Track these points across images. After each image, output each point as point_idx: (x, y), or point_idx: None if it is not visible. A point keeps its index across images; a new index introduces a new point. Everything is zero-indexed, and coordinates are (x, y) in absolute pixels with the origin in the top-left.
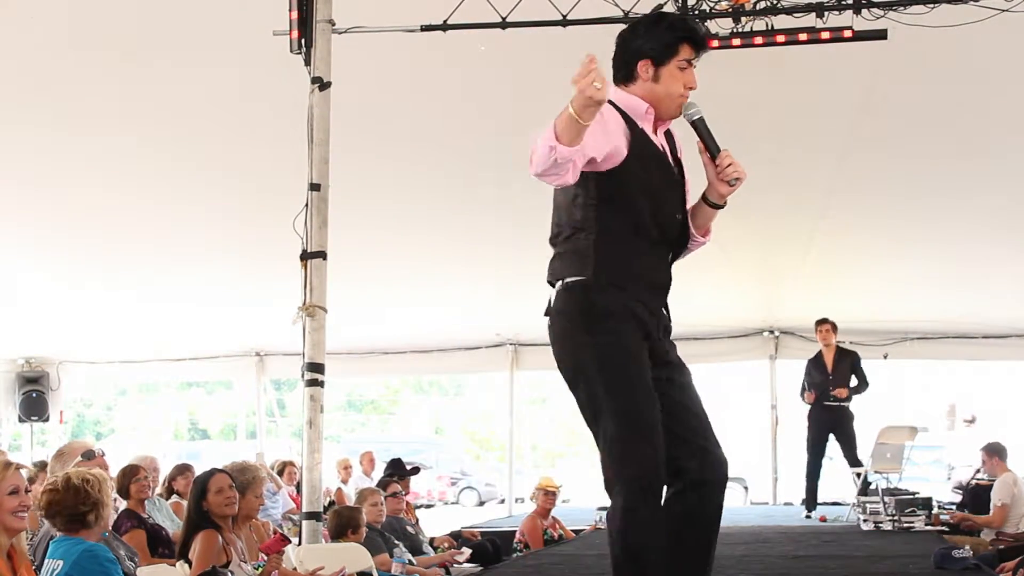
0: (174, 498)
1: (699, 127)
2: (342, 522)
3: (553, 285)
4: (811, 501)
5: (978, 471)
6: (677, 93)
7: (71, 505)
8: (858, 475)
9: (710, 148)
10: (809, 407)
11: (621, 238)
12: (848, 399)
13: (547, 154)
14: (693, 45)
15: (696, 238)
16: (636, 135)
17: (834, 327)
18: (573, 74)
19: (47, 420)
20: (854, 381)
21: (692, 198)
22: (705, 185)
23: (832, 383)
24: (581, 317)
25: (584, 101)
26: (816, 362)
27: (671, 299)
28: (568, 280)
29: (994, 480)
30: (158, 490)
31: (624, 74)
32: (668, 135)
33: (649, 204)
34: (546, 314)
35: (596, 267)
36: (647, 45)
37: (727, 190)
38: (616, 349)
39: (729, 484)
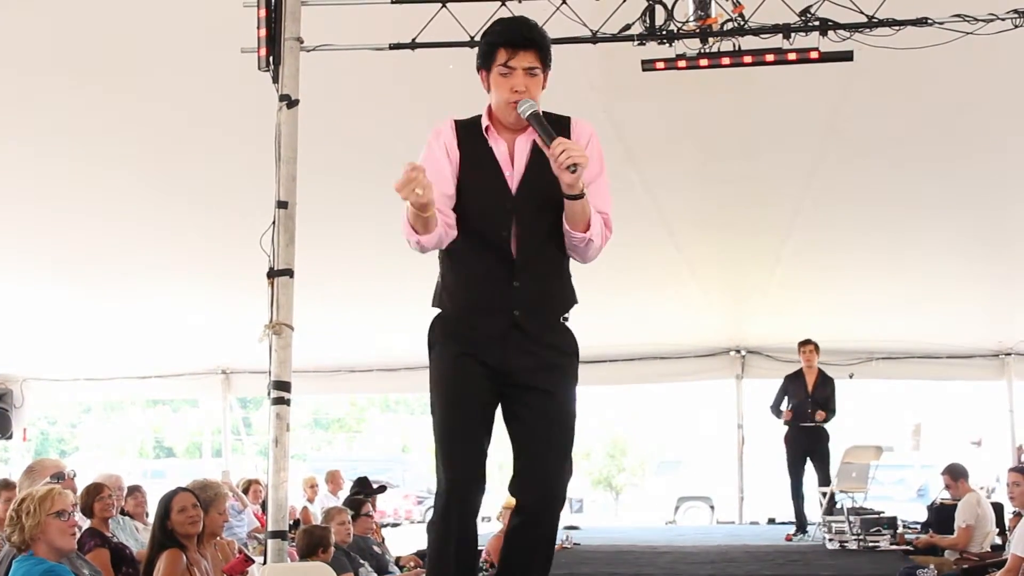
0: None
1: (532, 122)
2: (313, 541)
3: None
4: (800, 523)
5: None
6: (504, 99)
7: (7, 530)
8: (824, 494)
9: (544, 140)
10: (786, 430)
11: (458, 266)
12: (826, 421)
13: (415, 245)
14: (508, 47)
15: (571, 235)
16: (467, 154)
17: (817, 348)
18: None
19: (10, 438)
20: None
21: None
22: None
23: (811, 405)
24: (430, 347)
25: (411, 209)
26: (796, 380)
27: (635, 319)
28: (433, 310)
29: (958, 500)
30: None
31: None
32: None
33: (480, 225)
34: None
35: (440, 298)
36: (478, 57)
37: (569, 178)
38: (439, 373)
39: (696, 503)
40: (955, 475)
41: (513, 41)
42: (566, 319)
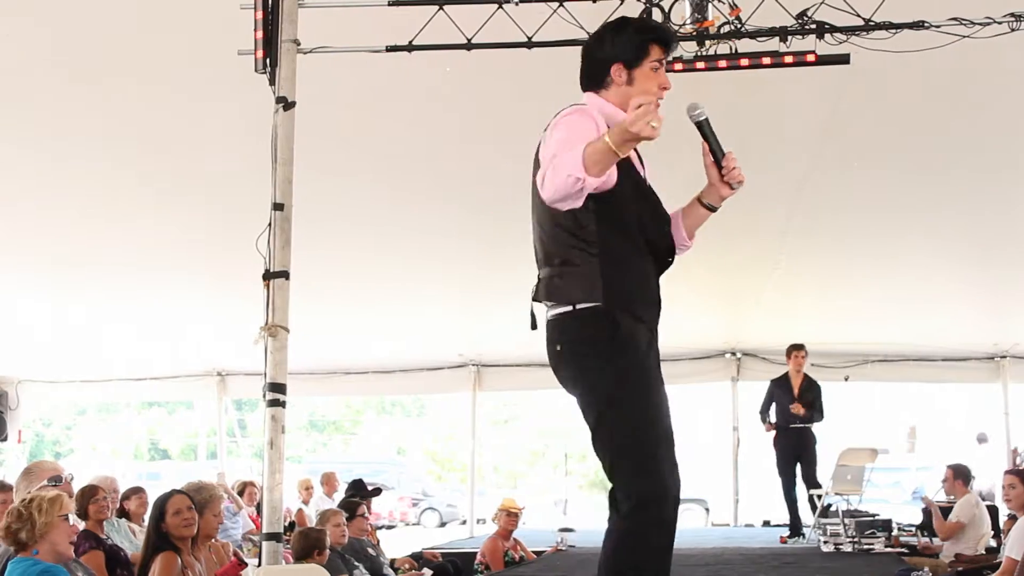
0: (124, 519)
1: (704, 128)
2: (308, 543)
3: (550, 306)
4: (795, 526)
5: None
6: (653, 94)
7: (12, 527)
8: (817, 497)
9: (715, 150)
10: (774, 433)
11: (622, 258)
12: (809, 420)
13: (571, 184)
14: (662, 45)
15: (684, 242)
16: None
17: (807, 353)
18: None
19: (5, 440)
20: None
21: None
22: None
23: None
24: (602, 344)
25: (633, 137)
26: (782, 384)
27: None
28: (580, 306)
29: (952, 501)
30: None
31: (596, 81)
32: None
33: (638, 221)
34: (550, 340)
35: (605, 290)
36: (617, 50)
37: (729, 193)
38: (640, 372)
39: (690, 505)
40: (957, 474)
41: (668, 41)
42: None
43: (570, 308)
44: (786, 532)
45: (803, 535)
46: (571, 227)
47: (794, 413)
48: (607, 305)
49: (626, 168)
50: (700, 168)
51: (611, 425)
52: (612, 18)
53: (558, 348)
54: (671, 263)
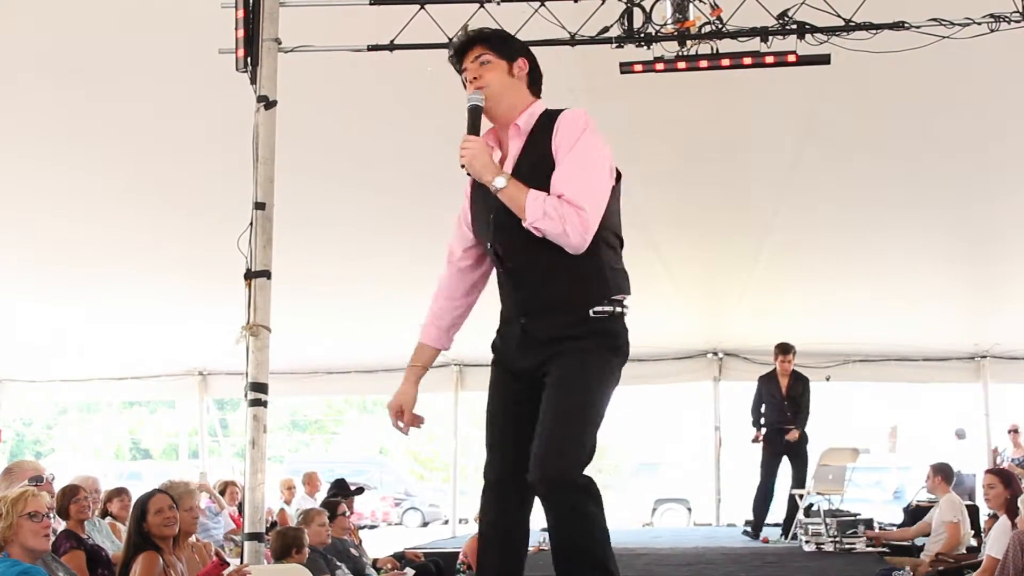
0: (108, 519)
1: (469, 114)
2: (286, 543)
3: None
4: (757, 525)
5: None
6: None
7: None
8: (799, 496)
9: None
10: (765, 429)
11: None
12: (800, 434)
13: None
14: (455, 58)
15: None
16: None
17: (795, 353)
18: None
19: None
20: None
21: None
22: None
23: (787, 408)
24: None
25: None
26: (769, 381)
27: None
28: None
29: (934, 499)
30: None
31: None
32: (536, 137)
33: (482, 234)
34: None
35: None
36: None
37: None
38: (492, 378)
39: (672, 505)
40: (938, 472)
41: (455, 51)
42: (601, 313)
43: None
44: (767, 532)
45: (758, 536)
46: None
47: (787, 439)
48: None
49: (477, 183)
50: (678, 164)
51: None
52: (593, 17)
53: None
54: (511, 267)
